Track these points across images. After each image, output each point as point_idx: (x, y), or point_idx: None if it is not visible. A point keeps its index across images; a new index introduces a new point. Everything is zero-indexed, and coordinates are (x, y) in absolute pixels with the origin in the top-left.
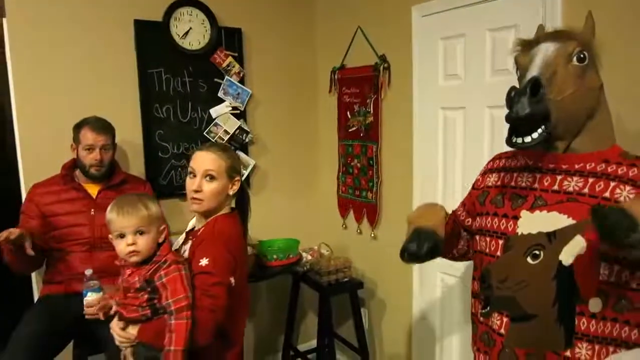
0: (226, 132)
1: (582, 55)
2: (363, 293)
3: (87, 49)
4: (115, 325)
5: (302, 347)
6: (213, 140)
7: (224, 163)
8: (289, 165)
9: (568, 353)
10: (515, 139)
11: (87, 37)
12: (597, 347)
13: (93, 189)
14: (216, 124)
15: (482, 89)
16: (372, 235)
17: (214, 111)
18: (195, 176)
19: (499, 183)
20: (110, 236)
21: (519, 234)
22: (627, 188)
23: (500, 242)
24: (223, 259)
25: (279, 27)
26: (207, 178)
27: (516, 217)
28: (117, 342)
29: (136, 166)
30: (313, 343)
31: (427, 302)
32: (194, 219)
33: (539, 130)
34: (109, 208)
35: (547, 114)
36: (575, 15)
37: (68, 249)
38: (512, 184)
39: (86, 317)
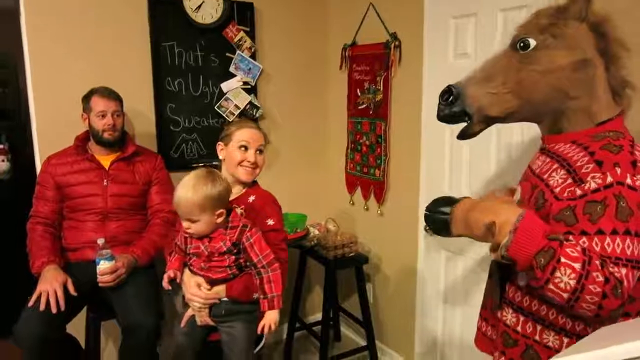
0: (237, 106)
1: (522, 44)
2: (368, 268)
3: (100, 21)
4: (196, 289)
5: (307, 320)
6: (224, 115)
7: (265, 139)
8: (298, 140)
9: (499, 314)
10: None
11: (101, 10)
12: (521, 317)
13: (106, 161)
14: (227, 99)
15: None
16: (379, 212)
17: (225, 86)
18: (247, 149)
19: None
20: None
21: None
22: (561, 172)
23: None
24: (281, 219)
25: (291, 3)
26: (258, 152)
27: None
28: (198, 305)
29: (148, 139)
30: (318, 316)
31: (431, 279)
32: None
33: (463, 124)
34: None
35: (463, 112)
36: None
37: (81, 219)
38: (530, 161)
39: (100, 284)
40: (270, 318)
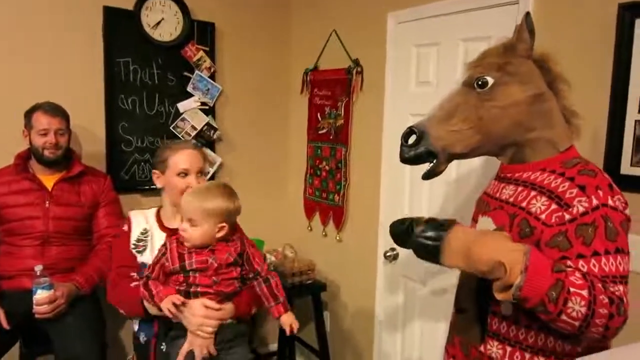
0: (193, 127)
1: (480, 82)
2: (326, 296)
3: (50, 33)
4: (205, 311)
5: (262, 350)
6: (180, 136)
7: (205, 160)
8: (257, 164)
9: (482, 348)
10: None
11: (51, 21)
12: (508, 348)
13: (49, 181)
14: (183, 119)
15: None
16: (337, 238)
17: (182, 106)
18: (187, 175)
19: (487, 189)
20: None
21: None
22: (542, 199)
23: None
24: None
25: (253, 24)
26: (200, 175)
27: (476, 221)
28: (212, 329)
29: (97, 159)
30: (274, 346)
31: (390, 306)
32: (148, 218)
33: (428, 164)
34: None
35: (428, 152)
36: (547, 28)
37: (19, 243)
38: (488, 190)
39: (36, 315)
40: (292, 318)
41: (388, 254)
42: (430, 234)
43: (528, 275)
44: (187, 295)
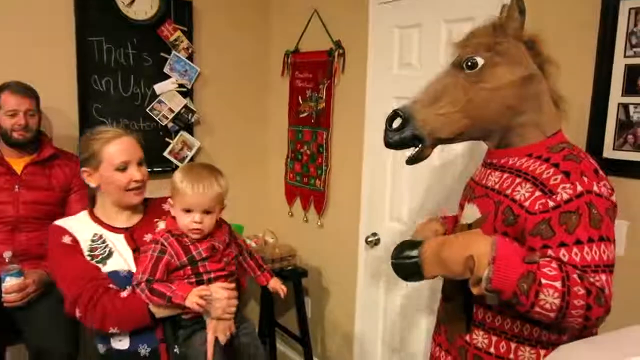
0: (171, 110)
1: (469, 63)
2: (307, 282)
3: (18, 9)
4: (226, 293)
5: None
6: (157, 119)
7: (140, 143)
8: (236, 148)
9: (468, 337)
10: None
11: None
12: (494, 338)
13: (18, 164)
14: (160, 101)
15: None
16: (319, 223)
17: (159, 87)
18: (127, 167)
19: (474, 175)
20: (170, 201)
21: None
22: (527, 186)
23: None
24: None
25: (232, 3)
26: (141, 165)
27: (462, 207)
28: (234, 309)
29: (69, 141)
30: None
31: (371, 292)
32: (86, 223)
33: (413, 149)
34: (180, 177)
35: (413, 136)
36: (530, 8)
37: None
38: (474, 176)
39: (5, 304)
40: (279, 282)
41: (370, 239)
42: (406, 253)
43: (496, 266)
44: (201, 284)
